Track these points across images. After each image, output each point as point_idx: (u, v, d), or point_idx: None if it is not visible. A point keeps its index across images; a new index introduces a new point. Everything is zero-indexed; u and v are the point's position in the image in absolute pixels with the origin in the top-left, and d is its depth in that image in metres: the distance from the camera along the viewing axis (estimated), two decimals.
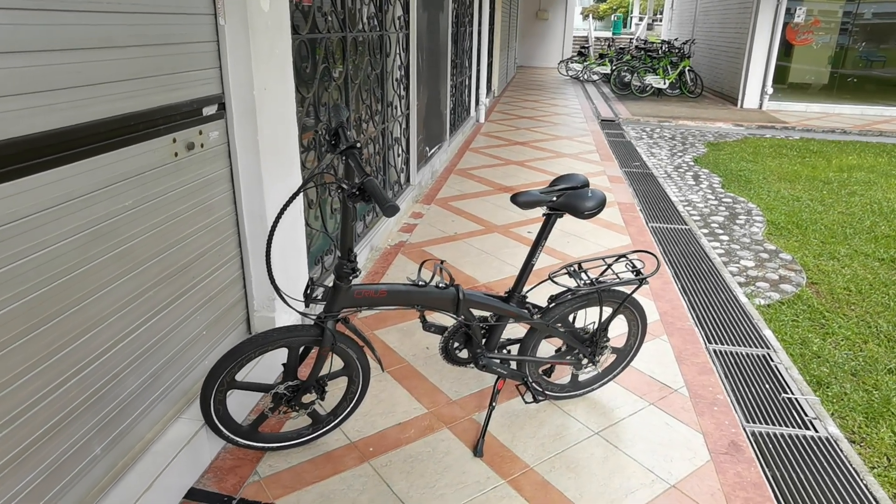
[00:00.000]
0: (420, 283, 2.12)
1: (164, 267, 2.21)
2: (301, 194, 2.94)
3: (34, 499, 1.71)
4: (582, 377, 2.66)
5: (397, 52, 4.81)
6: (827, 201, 6.36)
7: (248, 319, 2.86)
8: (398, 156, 5.07)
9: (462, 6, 7.80)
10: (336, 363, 2.49)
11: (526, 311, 2.35)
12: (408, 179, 5.37)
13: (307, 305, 2.01)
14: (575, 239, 4.71)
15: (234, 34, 2.44)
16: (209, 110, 2.42)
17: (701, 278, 4.22)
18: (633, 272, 2.40)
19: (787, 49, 13.04)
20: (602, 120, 10.72)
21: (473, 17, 8.82)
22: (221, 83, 2.49)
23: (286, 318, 2.89)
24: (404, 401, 2.68)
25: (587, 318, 2.71)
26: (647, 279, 2.36)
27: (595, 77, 16.79)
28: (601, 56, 16.90)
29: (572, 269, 2.36)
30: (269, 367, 2.62)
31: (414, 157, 5.37)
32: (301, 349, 2.19)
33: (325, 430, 2.39)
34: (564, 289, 2.34)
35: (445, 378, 2.84)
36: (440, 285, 2.15)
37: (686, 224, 5.31)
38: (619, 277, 2.36)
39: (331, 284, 2.03)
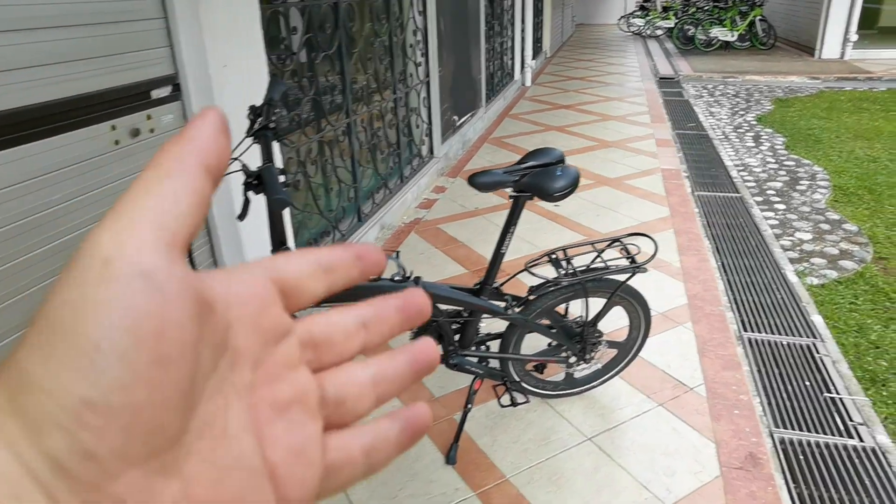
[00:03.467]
0: (372, 276, 1.89)
1: None
2: None
3: None
4: (578, 374, 2.37)
5: (411, 15, 4.51)
6: None
7: None
8: (417, 127, 4.81)
9: None
10: None
11: (501, 304, 2.08)
12: (431, 152, 5.10)
13: None
14: (605, 211, 4.33)
15: (184, 8, 2.24)
16: (160, 93, 2.25)
17: (746, 254, 3.77)
18: (627, 258, 2.08)
19: None
20: (660, 78, 10.00)
21: None
22: (174, 63, 2.30)
23: None
24: None
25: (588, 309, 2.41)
26: (643, 266, 2.03)
27: (659, 32, 15.75)
28: (665, 9, 15.81)
29: (554, 256, 2.06)
30: None
31: (438, 127, 5.09)
32: None
33: None
34: (544, 280, 2.05)
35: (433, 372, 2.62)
36: (395, 278, 1.92)
37: (738, 192, 4.80)
38: (607, 266, 2.05)
39: None
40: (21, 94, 1.71)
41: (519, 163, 1.91)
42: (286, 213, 2.79)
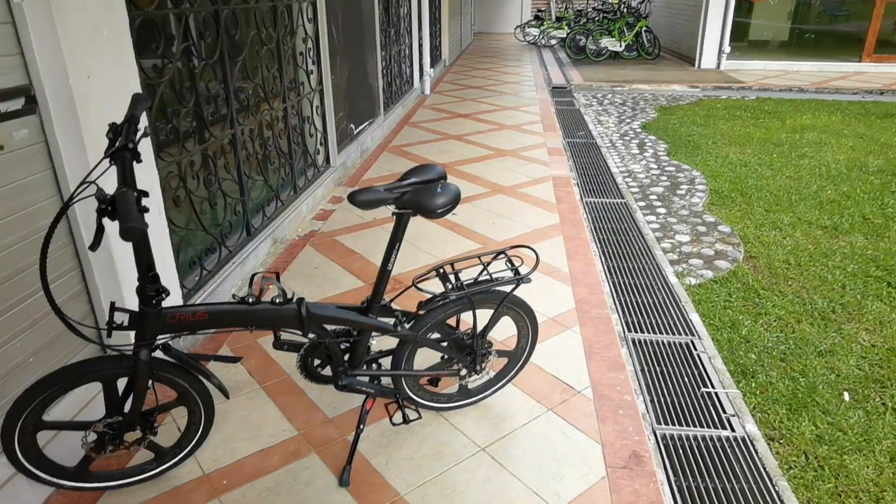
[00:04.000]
0: (250, 299, 1.82)
1: None
2: (157, 185, 2.60)
3: None
4: (471, 385, 2.39)
5: (301, 23, 4.41)
6: (776, 165, 6.14)
7: (100, 337, 2.53)
8: (310, 136, 4.71)
9: None
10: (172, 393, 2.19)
11: (391, 321, 2.06)
12: (327, 161, 5.01)
13: (109, 335, 1.70)
14: (500, 219, 4.42)
15: (36, 14, 2.06)
16: (10, 105, 2.06)
17: (630, 258, 3.97)
18: (511, 270, 2.12)
19: (746, 6, 12.73)
20: (553, 87, 10.37)
21: None
22: (27, 73, 2.12)
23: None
24: (274, 421, 2.39)
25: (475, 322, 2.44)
26: (527, 277, 2.08)
27: (553, 42, 16.35)
28: (559, 19, 16.44)
29: (441, 271, 2.07)
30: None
31: (333, 136, 5.01)
32: (125, 382, 1.89)
33: (170, 463, 2.11)
34: (431, 295, 2.05)
35: (326, 392, 2.56)
36: (277, 300, 1.85)
37: (623, 197, 5.05)
38: (492, 278, 2.08)
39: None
40: None
41: (400, 179, 1.90)
42: (161, 235, 2.64)
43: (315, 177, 4.71)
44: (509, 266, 2.12)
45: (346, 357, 2.11)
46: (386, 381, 2.26)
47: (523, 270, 2.11)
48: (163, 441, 2.16)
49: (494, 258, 2.14)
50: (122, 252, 2.43)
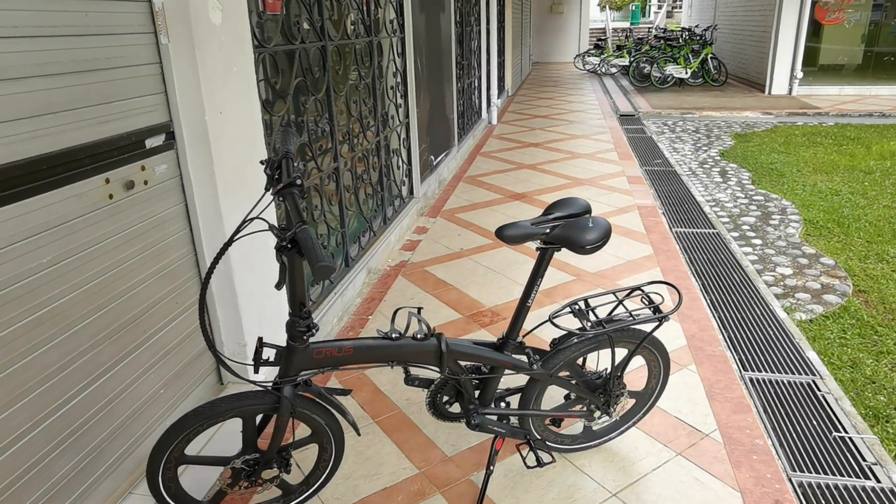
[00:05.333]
0: (394, 335, 1.79)
1: (104, 324, 1.92)
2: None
3: None
4: (596, 427, 2.30)
5: (391, 58, 4.49)
6: (870, 194, 5.85)
7: (218, 370, 2.56)
8: (398, 168, 4.75)
9: (467, 4, 7.45)
10: (304, 429, 2.18)
11: (524, 358, 2.00)
12: (411, 192, 5.04)
13: (256, 371, 1.69)
14: None
15: (180, 54, 2.14)
16: (154, 142, 2.13)
17: (733, 291, 3.80)
18: (650, 307, 2.03)
19: (816, 29, 12.38)
20: (620, 115, 10.26)
21: (480, 15, 8.46)
22: (168, 110, 2.19)
23: (266, 370, 2.58)
24: (393, 458, 2.35)
25: (599, 361, 2.35)
26: (668, 316, 1.99)
27: (613, 70, 16.26)
28: (619, 48, 16.36)
29: (576, 307, 2.00)
30: (233, 433, 2.31)
31: (417, 167, 5.04)
32: (260, 417, 1.88)
33: (297, 501, 2.08)
34: (567, 332, 1.98)
35: (442, 429, 2.50)
36: (418, 336, 1.82)
37: (714, 227, 4.88)
38: (632, 315, 2.00)
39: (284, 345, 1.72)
40: (2, 151, 1.56)
41: (545, 213, 1.85)
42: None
43: (401, 207, 4.74)
44: (646, 303, 2.04)
45: (477, 394, 2.05)
46: (513, 420, 2.18)
47: (663, 309, 2.02)
48: (289, 478, 2.14)
49: (629, 294, 2.06)
50: (245, 289, 2.45)
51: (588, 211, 1.87)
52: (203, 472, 2.18)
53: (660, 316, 1.97)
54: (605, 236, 1.76)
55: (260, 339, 1.71)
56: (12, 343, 1.63)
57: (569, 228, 1.75)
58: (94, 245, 1.88)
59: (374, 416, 2.60)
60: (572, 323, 2.03)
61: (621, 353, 2.10)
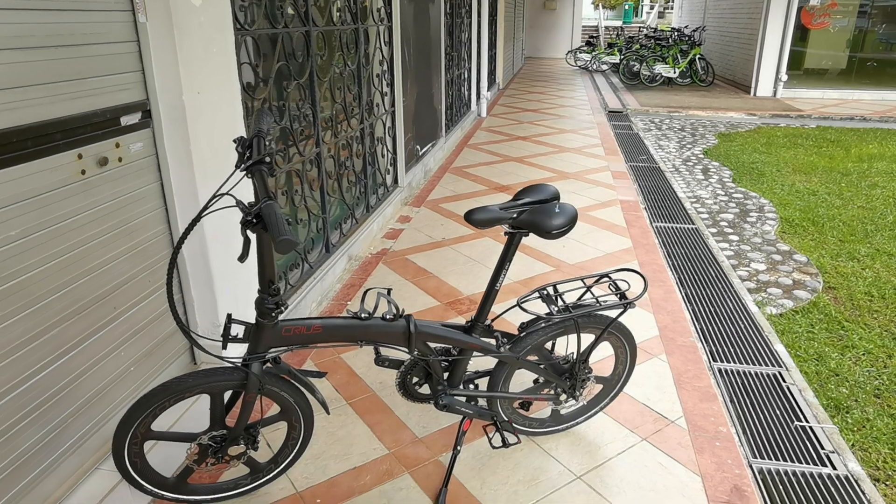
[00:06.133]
0: (363, 315, 1.82)
1: (72, 300, 1.93)
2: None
3: None
4: (564, 411, 2.34)
5: (378, 45, 4.49)
6: (845, 195, 5.95)
7: (191, 349, 2.57)
8: (383, 157, 4.76)
9: None
10: (274, 409, 2.20)
11: (492, 341, 2.03)
12: (395, 181, 5.06)
13: (224, 347, 1.71)
14: (571, 242, 4.37)
15: (158, 33, 2.14)
16: (130, 119, 2.13)
17: (707, 284, 3.87)
18: (616, 294, 2.07)
19: (802, 34, 12.50)
20: (609, 111, 10.32)
21: (472, 7, 8.47)
22: (145, 88, 2.20)
23: (236, 348, 2.60)
24: (364, 440, 2.38)
25: (568, 345, 2.39)
26: (633, 303, 2.03)
27: (604, 67, 16.33)
28: (610, 45, 16.42)
29: (545, 292, 2.04)
30: (203, 412, 2.33)
31: (402, 157, 5.06)
32: (229, 395, 1.90)
33: (265, 479, 2.10)
34: (535, 315, 2.02)
35: (413, 411, 2.54)
36: (387, 317, 1.85)
37: (693, 223, 4.95)
38: (598, 301, 2.04)
39: (253, 321, 1.74)
40: None
41: (514, 199, 1.88)
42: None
43: (385, 196, 4.76)
44: (613, 290, 2.08)
45: (446, 376, 2.09)
46: (481, 402, 2.22)
47: (628, 296, 2.06)
48: (257, 456, 2.17)
49: (597, 281, 2.10)
50: (219, 270, 2.47)
51: (556, 197, 1.90)
52: (170, 449, 2.20)
53: (625, 302, 2.01)
54: (572, 222, 1.80)
55: (229, 315, 1.73)
56: None
57: (536, 214, 1.78)
58: (65, 220, 1.88)
59: (348, 398, 2.63)
60: (541, 308, 2.07)
61: (588, 338, 2.14)
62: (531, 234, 1.85)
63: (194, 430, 1.97)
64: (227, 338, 1.71)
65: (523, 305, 1.99)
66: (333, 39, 3.71)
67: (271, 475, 2.11)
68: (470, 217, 1.77)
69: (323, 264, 3.48)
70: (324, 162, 3.55)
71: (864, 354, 3.26)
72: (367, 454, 2.30)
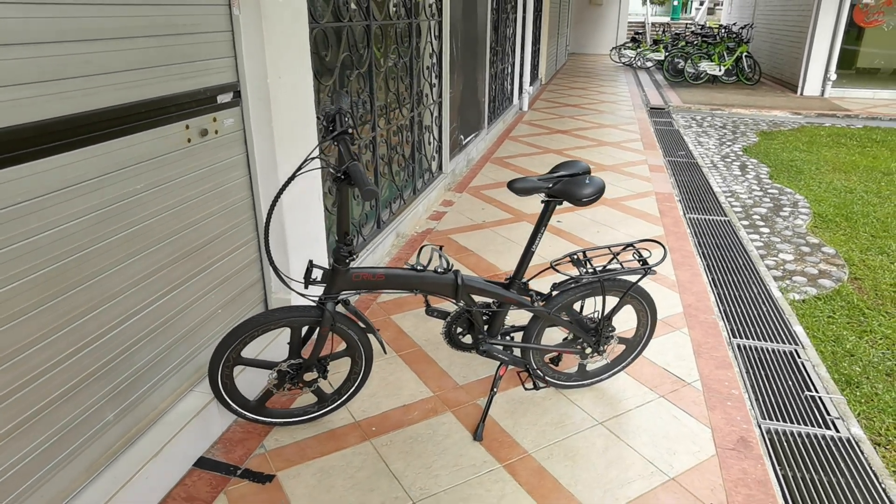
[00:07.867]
0: (419, 267, 2.15)
1: (177, 248, 2.32)
2: (318, 179, 3.01)
3: (47, 458, 1.84)
4: (590, 367, 2.64)
5: (429, 39, 4.82)
6: (884, 193, 6.03)
7: (265, 300, 2.95)
8: (429, 144, 5.10)
9: None
10: (341, 345, 2.56)
11: (527, 298, 2.34)
12: (440, 167, 5.39)
13: (306, 287, 2.07)
14: (605, 228, 4.63)
15: (249, 24, 2.51)
16: (224, 98, 2.51)
17: (734, 271, 4.09)
18: (639, 261, 2.36)
19: (854, 32, 12.34)
20: (651, 108, 10.45)
21: (518, 3, 8.73)
22: (237, 72, 2.57)
23: (302, 300, 2.97)
24: (411, 384, 2.72)
25: (595, 307, 2.68)
26: (653, 269, 2.32)
27: (649, 64, 16.34)
28: (655, 42, 16.42)
29: (576, 257, 2.34)
30: (282, 344, 2.71)
31: (447, 145, 5.39)
32: (304, 329, 2.26)
33: (329, 408, 2.46)
34: (567, 277, 2.32)
35: (455, 364, 2.87)
36: (438, 270, 2.18)
37: (726, 215, 5.14)
38: (623, 267, 2.33)
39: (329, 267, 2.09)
40: (110, 95, 1.95)
41: (550, 172, 2.19)
42: (318, 218, 3.02)
43: (430, 181, 5.09)
44: (637, 258, 2.36)
45: (486, 327, 2.41)
46: (516, 352, 2.53)
47: (650, 263, 2.34)
48: (324, 386, 2.53)
49: (623, 249, 2.39)
50: (292, 229, 2.84)
51: (588, 172, 2.20)
52: (254, 376, 2.57)
53: (646, 267, 2.30)
54: (599, 192, 2.09)
55: (310, 261, 2.08)
56: (110, 252, 2.02)
57: (569, 184, 2.09)
58: (174, 179, 2.27)
59: (398, 350, 2.98)
60: (572, 272, 2.37)
61: (612, 301, 2.43)
62: (565, 207, 2.14)
63: (276, 360, 2.34)
64: (308, 279, 2.07)
65: (556, 267, 2.29)
66: (390, 33, 4.05)
67: (335, 405, 2.46)
68: (512, 185, 2.08)
69: (374, 238, 3.84)
70: (378, 146, 3.90)
71: (881, 339, 3.44)
72: (415, 395, 2.64)
